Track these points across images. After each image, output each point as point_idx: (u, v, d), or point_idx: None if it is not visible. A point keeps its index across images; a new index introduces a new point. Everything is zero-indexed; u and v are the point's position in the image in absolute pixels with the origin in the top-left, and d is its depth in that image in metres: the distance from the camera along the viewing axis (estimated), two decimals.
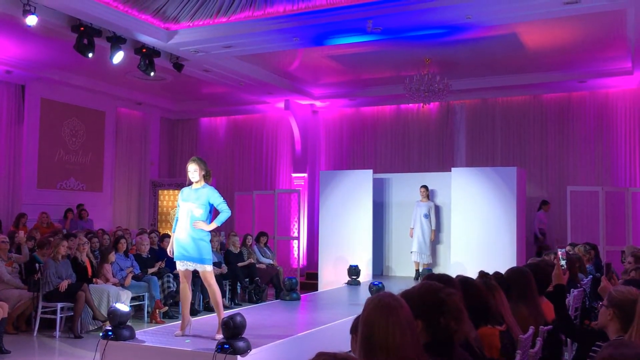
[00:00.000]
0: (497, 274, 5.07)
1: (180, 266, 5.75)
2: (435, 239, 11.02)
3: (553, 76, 11.85)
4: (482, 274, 4.11)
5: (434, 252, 11.14)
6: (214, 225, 5.71)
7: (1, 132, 12.34)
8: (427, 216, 10.84)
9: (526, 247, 10.92)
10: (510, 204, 10.19)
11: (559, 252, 3.96)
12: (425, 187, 10.96)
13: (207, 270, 5.70)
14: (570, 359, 5.06)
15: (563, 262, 3.90)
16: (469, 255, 10.10)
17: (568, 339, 5.06)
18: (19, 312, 7.81)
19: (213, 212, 5.82)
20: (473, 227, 10.34)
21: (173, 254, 5.81)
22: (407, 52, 10.54)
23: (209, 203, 5.72)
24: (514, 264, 8.90)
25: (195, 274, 5.94)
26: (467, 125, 13.57)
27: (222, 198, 5.80)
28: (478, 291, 3.28)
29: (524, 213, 11.14)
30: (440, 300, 2.41)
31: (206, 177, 5.82)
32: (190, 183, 5.82)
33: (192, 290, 6.27)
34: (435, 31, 9.34)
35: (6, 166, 12.40)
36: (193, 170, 5.76)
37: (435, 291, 2.46)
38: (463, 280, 3.39)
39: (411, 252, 10.91)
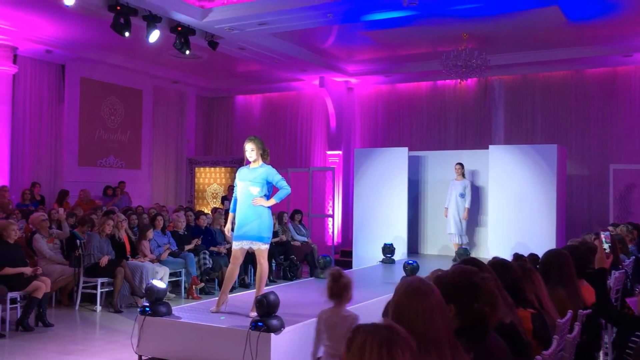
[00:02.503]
0: (532, 255, 4.98)
1: (236, 245, 5.74)
2: (471, 218, 10.80)
3: (597, 50, 11.44)
4: (517, 257, 4.03)
5: (471, 233, 10.93)
6: (272, 201, 5.70)
7: (43, 111, 12.64)
8: (463, 195, 10.52)
9: (566, 227, 10.66)
10: (550, 183, 9.94)
11: (602, 235, 3.82)
12: (460, 164, 10.66)
13: (262, 249, 5.70)
14: (610, 343, 4.94)
15: (606, 246, 3.76)
16: (507, 236, 9.91)
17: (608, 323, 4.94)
18: (60, 287, 8.06)
19: (272, 191, 5.79)
20: (511, 207, 10.13)
21: (232, 232, 5.82)
22: (444, 27, 10.30)
23: (267, 181, 5.68)
24: (554, 246, 8.72)
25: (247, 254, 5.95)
26: (506, 102, 13.26)
27: (280, 175, 5.75)
28: (511, 273, 3.20)
29: (565, 192, 10.87)
30: (474, 285, 2.36)
31: (264, 156, 5.75)
32: (248, 162, 5.78)
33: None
34: (474, 5, 9.09)
35: (48, 144, 12.72)
36: (250, 150, 5.70)
37: (469, 275, 2.41)
38: (497, 262, 3.32)
39: (449, 234, 10.64)
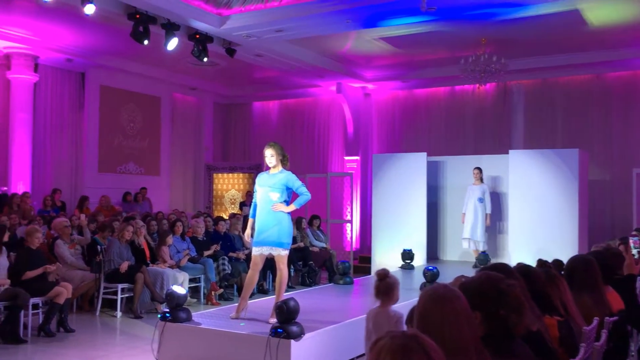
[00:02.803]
0: (556, 261, 4.90)
1: (255, 251, 5.73)
2: (491, 224, 10.69)
3: (618, 54, 11.30)
4: (541, 263, 3.96)
5: (492, 239, 10.78)
6: (292, 207, 5.68)
7: (64, 118, 12.80)
8: (481, 200, 10.38)
9: (589, 233, 10.49)
10: (572, 188, 9.80)
11: (631, 241, 3.76)
12: (479, 169, 10.51)
13: (282, 254, 5.67)
14: (636, 350, 4.85)
15: (635, 251, 3.70)
16: (528, 242, 9.77)
17: (634, 330, 4.84)
18: (82, 292, 8.13)
19: (292, 197, 5.77)
20: (532, 213, 9.99)
21: (252, 238, 5.80)
22: (463, 31, 10.24)
23: (287, 187, 5.67)
24: (576, 252, 8.59)
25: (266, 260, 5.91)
26: (526, 106, 13.14)
27: (300, 182, 5.75)
28: (538, 280, 3.15)
29: (587, 197, 10.71)
30: (500, 292, 2.32)
31: (283, 162, 5.75)
32: (268, 168, 5.78)
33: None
34: (493, 10, 9.03)
35: (69, 151, 12.87)
36: (270, 155, 5.71)
37: (495, 282, 2.36)
38: (521, 268, 3.27)
39: (463, 239, 10.47)
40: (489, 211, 10.40)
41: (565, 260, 4.13)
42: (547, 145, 12.31)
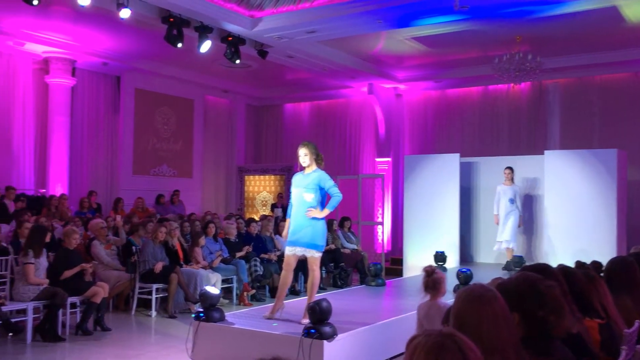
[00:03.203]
0: (595, 263, 4.79)
1: (289, 251, 5.73)
2: (525, 226, 10.48)
3: None
4: (580, 264, 3.88)
5: (528, 241, 10.61)
6: (326, 211, 5.62)
7: (99, 121, 13.06)
8: (512, 201, 10.20)
9: (627, 235, 10.21)
10: (609, 189, 9.57)
11: None
12: (510, 168, 10.30)
13: (315, 256, 5.64)
14: None
15: None
16: (565, 244, 9.58)
17: None
18: (117, 292, 8.27)
19: (326, 197, 5.74)
20: (569, 214, 9.78)
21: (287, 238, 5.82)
22: (496, 30, 10.10)
23: (320, 187, 5.64)
24: (615, 254, 8.38)
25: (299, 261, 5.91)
26: (562, 106, 12.88)
27: (332, 182, 5.70)
28: (577, 282, 3.08)
29: (626, 199, 10.43)
30: (538, 293, 2.27)
31: (318, 161, 5.72)
32: (302, 168, 5.77)
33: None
34: (527, 7, 8.89)
35: (105, 154, 13.12)
36: (303, 155, 5.69)
37: (533, 283, 2.31)
38: (561, 269, 3.20)
39: (499, 242, 10.27)
40: (522, 212, 10.24)
41: (603, 262, 4.04)
42: (583, 145, 12.03)
